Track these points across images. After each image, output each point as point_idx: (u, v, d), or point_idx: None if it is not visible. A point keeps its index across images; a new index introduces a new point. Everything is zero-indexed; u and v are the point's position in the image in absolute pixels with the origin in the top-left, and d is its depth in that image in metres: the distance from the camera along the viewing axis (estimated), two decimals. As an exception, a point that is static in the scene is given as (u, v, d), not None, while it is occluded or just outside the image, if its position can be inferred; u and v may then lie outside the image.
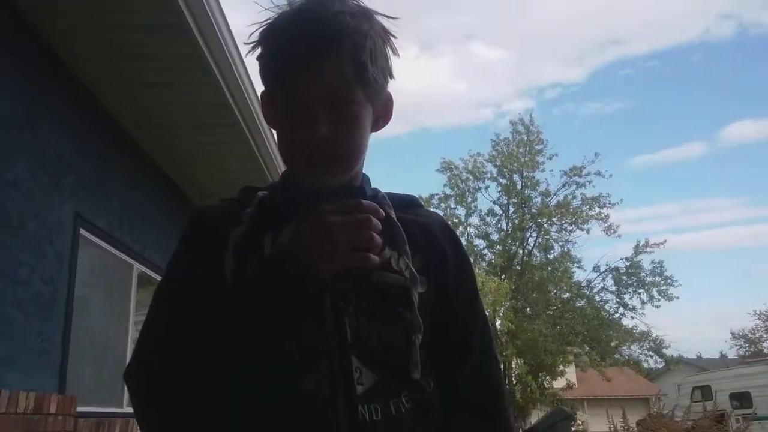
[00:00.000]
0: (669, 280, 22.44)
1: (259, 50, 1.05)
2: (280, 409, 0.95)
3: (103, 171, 4.93)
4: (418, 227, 1.10)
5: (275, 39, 1.02)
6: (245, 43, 1.10)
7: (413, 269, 1.04)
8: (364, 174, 1.12)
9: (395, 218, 1.06)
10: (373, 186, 1.14)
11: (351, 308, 1.00)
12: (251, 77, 4.70)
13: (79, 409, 4.28)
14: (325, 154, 0.99)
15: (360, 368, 0.98)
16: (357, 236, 0.91)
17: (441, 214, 18.12)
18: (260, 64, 1.06)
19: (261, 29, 1.05)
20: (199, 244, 1.06)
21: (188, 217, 1.11)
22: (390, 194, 1.14)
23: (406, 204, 1.16)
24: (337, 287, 0.97)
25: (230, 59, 4.31)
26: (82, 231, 4.55)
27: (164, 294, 1.06)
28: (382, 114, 1.11)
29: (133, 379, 1.01)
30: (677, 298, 22.54)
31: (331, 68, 0.98)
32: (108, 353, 5.38)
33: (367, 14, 1.03)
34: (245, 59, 4.48)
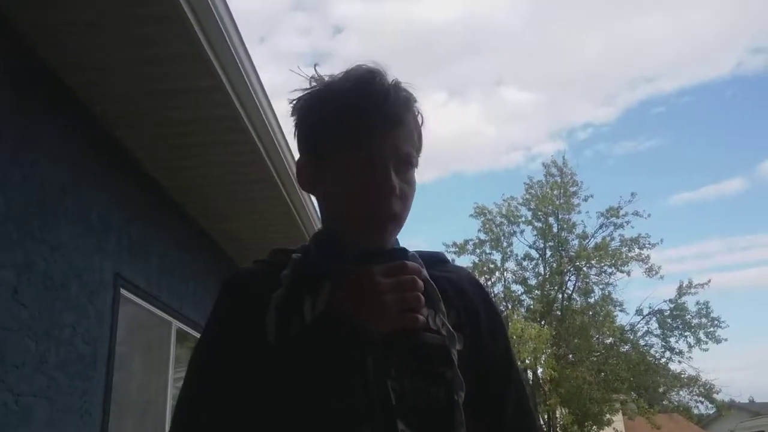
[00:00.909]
0: (716, 322, 21.82)
1: (312, 114, 1.11)
2: None
3: (143, 231, 5.03)
4: (449, 284, 1.12)
5: (346, 104, 1.07)
6: (291, 101, 1.16)
7: (449, 327, 1.06)
8: None
9: (428, 277, 1.07)
10: (401, 245, 1.17)
11: (392, 371, 1.01)
12: (285, 134, 4.80)
13: (120, 469, 4.28)
14: (392, 212, 1.06)
15: (405, 431, 0.97)
16: (405, 297, 0.93)
17: (476, 260, 17.90)
18: (314, 126, 1.12)
19: (313, 95, 1.12)
20: (237, 308, 1.06)
21: (224, 282, 1.12)
22: (419, 252, 1.16)
23: (435, 261, 1.18)
24: (378, 350, 0.97)
25: (264, 116, 4.41)
26: (122, 290, 4.62)
27: (202, 360, 1.06)
28: None
29: None
30: (725, 340, 21.87)
31: (404, 135, 1.08)
32: (147, 410, 5.39)
33: (411, 90, 1.13)
34: (279, 117, 4.60)
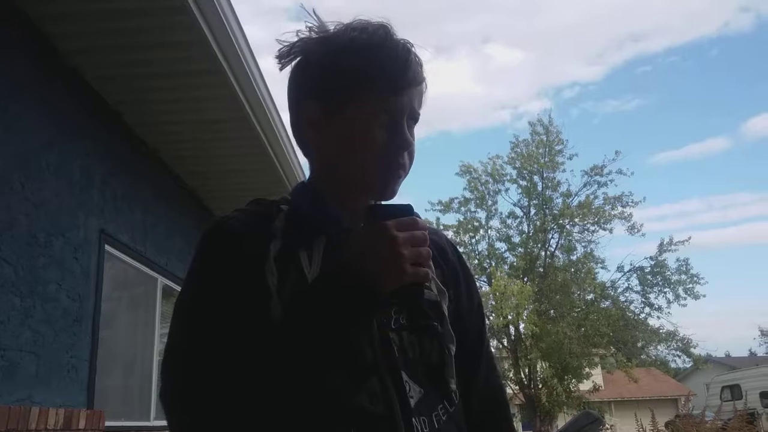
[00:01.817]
0: (695, 278, 22.10)
1: (331, 61, 1.07)
2: (336, 428, 0.94)
3: (127, 188, 4.99)
4: (433, 244, 1.09)
5: (373, 54, 1.06)
6: (289, 48, 1.12)
7: (439, 283, 1.09)
8: None
9: None
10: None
11: (393, 324, 1.03)
12: (270, 90, 4.75)
13: (108, 423, 4.32)
14: (402, 162, 1.08)
15: (408, 382, 1.00)
16: (419, 252, 0.94)
17: (462, 217, 17.94)
18: (332, 73, 1.07)
19: (327, 41, 1.09)
20: (232, 255, 1.01)
21: (212, 228, 1.06)
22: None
23: None
24: (394, 301, 1.01)
25: (250, 74, 4.35)
26: (107, 247, 4.61)
27: (198, 309, 1.00)
28: None
29: (172, 401, 0.96)
30: (704, 296, 22.19)
31: (419, 93, 1.11)
32: (134, 366, 5.43)
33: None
34: (263, 73, 4.53)
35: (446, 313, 1.07)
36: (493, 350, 1.39)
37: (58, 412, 3.70)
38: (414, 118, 1.10)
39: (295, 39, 1.12)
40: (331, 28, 1.11)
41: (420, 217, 1.04)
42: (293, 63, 1.13)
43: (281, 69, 1.14)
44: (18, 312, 3.51)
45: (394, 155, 1.07)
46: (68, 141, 4.15)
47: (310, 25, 1.12)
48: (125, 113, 4.81)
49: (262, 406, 0.93)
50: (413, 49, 1.10)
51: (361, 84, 1.06)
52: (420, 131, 1.16)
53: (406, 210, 1.00)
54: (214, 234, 1.05)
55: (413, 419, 0.98)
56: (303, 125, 1.12)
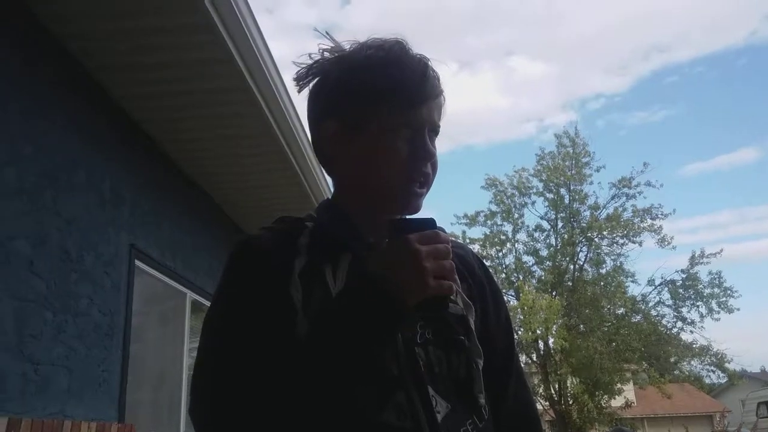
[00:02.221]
0: (728, 291, 21.70)
1: (349, 79, 1.10)
2: None
3: (156, 204, 5.07)
4: (458, 258, 1.14)
5: (391, 71, 1.08)
6: (307, 69, 1.15)
7: (465, 297, 1.10)
8: None
9: None
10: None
11: (418, 338, 1.03)
12: (295, 106, 4.79)
13: (138, 437, 4.37)
14: (427, 175, 1.10)
15: (435, 397, 1.00)
16: (441, 265, 0.94)
17: (488, 231, 17.85)
18: (352, 92, 1.10)
19: (346, 61, 1.11)
20: (258, 272, 1.03)
21: (238, 246, 1.08)
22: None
23: None
24: (419, 316, 1.01)
25: (275, 89, 4.40)
26: (137, 262, 4.67)
27: (225, 327, 1.02)
28: None
29: (201, 417, 0.98)
30: (738, 309, 21.76)
31: (438, 106, 1.12)
32: (164, 380, 5.48)
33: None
34: (288, 89, 4.58)
35: (473, 327, 1.08)
36: (522, 365, 1.37)
37: (90, 426, 3.74)
38: (434, 130, 1.12)
39: (312, 60, 1.14)
40: (347, 47, 1.13)
41: (443, 231, 1.05)
42: (311, 84, 1.16)
43: (299, 91, 1.17)
44: (50, 327, 3.57)
45: (417, 167, 1.08)
46: (97, 158, 4.23)
47: (325, 46, 1.14)
48: (152, 130, 4.89)
49: (288, 422, 0.93)
50: (430, 63, 1.12)
51: (380, 100, 1.07)
52: (444, 145, 1.18)
53: (429, 224, 1.01)
54: (240, 252, 1.07)
55: None
56: (323, 144, 1.15)
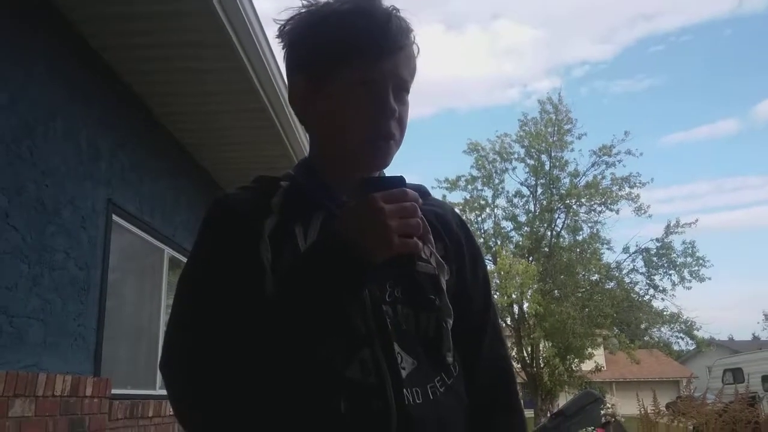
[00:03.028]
0: (701, 261, 22.08)
1: (311, 34, 1.09)
2: (328, 399, 0.96)
3: (136, 159, 5.00)
4: (435, 217, 1.14)
5: (348, 25, 1.06)
6: (280, 25, 1.14)
7: (438, 257, 1.09)
8: None
9: None
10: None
11: (386, 296, 1.03)
12: (278, 62, 4.72)
13: (114, 391, 4.38)
14: (391, 134, 1.07)
15: (401, 353, 1.01)
16: (408, 223, 0.93)
17: (468, 195, 17.78)
18: (312, 47, 1.09)
19: (310, 16, 1.10)
20: (228, 233, 1.05)
21: (213, 205, 1.10)
22: None
23: (420, 194, 1.18)
24: (384, 273, 1.00)
25: (258, 45, 4.33)
26: (114, 217, 4.63)
27: (196, 284, 1.05)
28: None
29: (174, 372, 1.02)
30: (709, 279, 22.18)
31: (404, 60, 1.09)
32: (141, 336, 5.49)
33: (406, 16, 1.13)
34: (272, 45, 4.50)
35: (444, 287, 1.07)
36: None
37: (66, 379, 3.75)
38: (401, 85, 1.09)
39: (290, 15, 1.13)
40: (321, 1, 1.11)
41: (411, 189, 1.05)
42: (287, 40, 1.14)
43: (282, 48, 1.16)
44: (26, 279, 3.54)
45: (379, 124, 1.06)
46: (77, 110, 4.14)
47: (303, 1, 1.12)
48: (133, 83, 4.80)
49: (255, 378, 0.96)
50: (394, 14, 1.08)
51: (340, 55, 1.06)
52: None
53: (397, 182, 1.00)
54: (213, 212, 1.10)
55: (405, 390, 0.98)
56: (294, 101, 1.15)
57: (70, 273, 4.00)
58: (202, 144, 5.98)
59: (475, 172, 23.09)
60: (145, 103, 5.09)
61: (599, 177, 22.23)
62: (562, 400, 18.78)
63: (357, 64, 1.05)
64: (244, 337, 0.95)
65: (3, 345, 3.33)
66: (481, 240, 22.57)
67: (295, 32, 1.12)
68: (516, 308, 21.63)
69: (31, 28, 3.71)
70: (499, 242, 22.67)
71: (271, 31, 4.33)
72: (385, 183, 1.01)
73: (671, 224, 22.29)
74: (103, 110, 4.50)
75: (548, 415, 15.24)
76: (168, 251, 5.72)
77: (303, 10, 1.11)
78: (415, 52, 1.12)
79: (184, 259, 5.42)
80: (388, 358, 0.99)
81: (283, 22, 1.13)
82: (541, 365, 21.05)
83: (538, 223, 22.77)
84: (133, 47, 4.34)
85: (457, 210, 1.32)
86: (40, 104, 3.75)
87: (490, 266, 20.90)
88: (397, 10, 1.09)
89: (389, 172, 1.17)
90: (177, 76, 4.71)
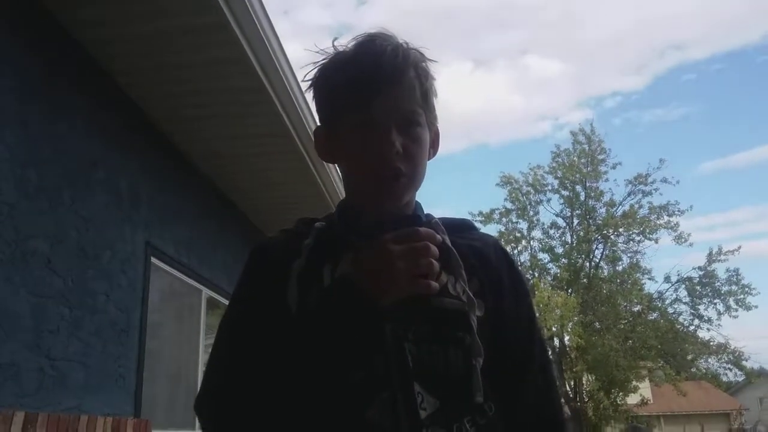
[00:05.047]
0: (746, 289, 21.45)
1: (321, 84, 1.13)
2: None
3: (174, 203, 5.12)
4: (472, 251, 1.12)
5: (345, 69, 1.08)
6: (303, 80, 1.18)
7: (470, 293, 1.05)
8: (416, 201, 1.16)
9: (450, 243, 1.07)
10: (426, 211, 1.17)
11: (410, 335, 1.01)
12: (309, 105, 4.82)
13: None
14: (397, 170, 1.05)
15: (422, 393, 0.98)
16: (416, 263, 0.93)
17: (503, 228, 17.55)
18: (323, 96, 1.14)
19: (322, 65, 1.13)
20: (261, 277, 1.09)
21: (250, 251, 1.14)
22: (443, 219, 1.16)
23: (460, 228, 1.18)
24: (396, 315, 0.98)
25: (289, 89, 4.43)
26: (153, 259, 4.73)
27: (229, 327, 1.09)
28: (433, 143, 1.17)
29: (204, 411, 1.05)
30: (756, 307, 21.60)
31: (404, 92, 1.07)
32: (180, 377, 5.54)
33: (419, 50, 1.12)
34: (303, 88, 4.59)
35: (474, 324, 1.03)
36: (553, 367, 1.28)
37: (106, 421, 3.80)
38: (407, 118, 1.08)
39: (312, 67, 1.16)
40: (339, 48, 1.13)
41: (438, 228, 1.05)
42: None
43: (306, 90, 1.20)
44: (67, 323, 3.63)
45: (382, 163, 1.05)
46: (116, 158, 4.28)
47: (319, 51, 1.14)
48: (170, 130, 4.93)
49: (279, 417, 0.98)
50: (391, 49, 1.07)
51: (341, 101, 1.09)
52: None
53: (411, 220, 1.01)
54: (249, 257, 1.14)
55: (425, 429, 0.96)
56: (319, 151, 1.20)
57: (110, 316, 4.09)
58: (238, 186, 6.09)
59: (509, 205, 22.99)
60: (181, 148, 5.22)
61: (636, 206, 21.94)
62: (608, 436, 18.29)
63: (355, 107, 1.07)
64: (269, 380, 0.97)
65: (45, 387, 3.41)
66: (518, 273, 22.31)
67: (312, 83, 1.16)
68: (557, 341, 21.24)
69: (70, 81, 3.86)
70: (536, 274, 22.39)
71: (301, 76, 4.45)
72: (398, 222, 1.02)
73: (713, 252, 21.79)
74: (141, 157, 4.64)
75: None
76: (206, 292, 5.80)
77: (320, 59, 1.14)
78: (424, 80, 1.10)
79: (222, 300, 5.51)
80: (406, 398, 0.98)
81: (308, 74, 1.17)
82: (585, 399, 20.57)
83: (575, 254, 22.47)
84: (169, 95, 4.48)
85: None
86: (81, 155, 3.89)
87: (528, 299, 20.62)
88: (403, 44, 1.09)
89: (425, 207, 1.17)
90: (213, 120, 4.83)
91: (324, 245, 1.08)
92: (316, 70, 1.15)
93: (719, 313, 21.50)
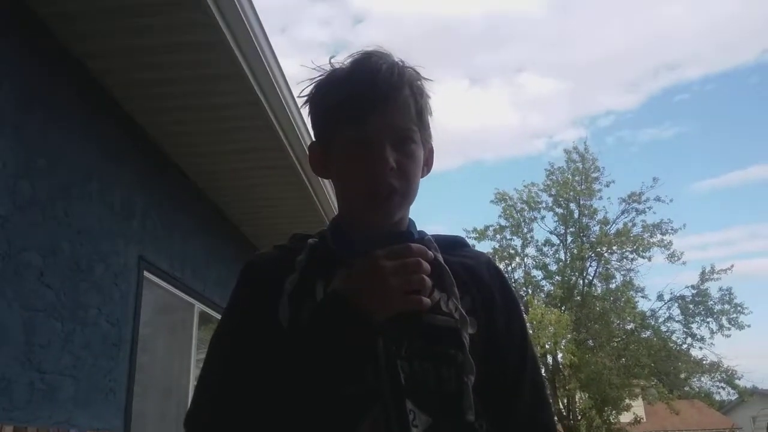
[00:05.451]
0: (739, 308, 21.56)
1: (317, 100, 1.14)
2: None
3: (167, 216, 5.11)
4: (464, 269, 1.13)
5: (341, 86, 1.09)
6: (299, 96, 1.20)
7: (462, 311, 1.05)
8: (410, 218, 1.17)
9: (442, 260, 1.08)
10: (420, 228, 1.18)
11: (403, 352, 1.02)
12: (305, 120, 4.83)
13: (144, 447, 4.39)
14: (390, 187, 1.06)
15: (414, 410, 0.98)
16: (408, 280, 0.94)
17: (497, 245, 17.62)
18: (319, 112, 1.15)
19: (318, 82, 1.14)
20: (253, 292, 1.09)
21: (243, 267, 1.15)
22: (436, 236, 1.17)
23: (452, 245, 1.18)
24: (389, 331, 0.98)
25: (285, 105, 4.45)
26: (146, 273, 4.71)
27: (221, 343, 1.09)
28: (427, 160, 1.18)
29: (194, 427, 1.05)
30: (748, 326, 21.64)
31: (398, 110, 1.08)
32: (170, 391, 5.50)
33: (415, 69, 1.13)
34: (298, 103, 4.62)
35: (466, 342, 1.03)
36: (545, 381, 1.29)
37: (96, 436, 3.77)
38: (401, 135, 1.08)
39: (308, 84, 1.17)
40: (334, 66, 1.15)
41: (430, 245, 1.06)
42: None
43: (302, 106, 1.22)
44: (59, 336, 3.61)
45: (375, 180, 1.06)
46: (111, 171, 4.28)
47: (316, 68, 1.16)
48: (164, 144, 4.94)
49: None
50: (386, 66, 1.08)
51: (335, 118, 1.10)
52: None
53: (403, 237, 1.01)
54: (241, 273, 1.15)
55: None
56: (313, 167, 1.21)
57: (102, 329, 4.06)
58: (232, 201, 6.09)
59: (503, 222, 23.06)
60: (176, 162, 5.22)
61: (630, 224, 22.05)
62: (601, 455, 18.20)
63: (349, 124, 1.08)
64: (260, 395, 0.97)
65: (35, 401, 3.38)
66: (512, 289, 22.32)
67: (308, 100, 1.17)
68: (550, 359, 21.21)
69: (68, 93, 3.87)
70: (530, 291, 22.43)
71: (297, 92, 4.47)
72: (390, 239, 1.02)
73: (706, 270, 21.89)
74: (136, 170, 4.63)
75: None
76: (198, 306, 5.78)
77: (316, 76, 1.16)
78: (420, 98, 1.11)
79: (215, 314, 5.48)
80: (399, 415, 0.97)
81: (303, 89, 1.18)
82: (578, 417, 20.50)
83: (569, 271, 22.51)
84: (164, 110, 4.49)
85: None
86: (76, 166, 3.88)
87: (521, 316, 20.61)
88: (399, 62, 1.10)
89: (419, 223, 1.18)
90: (208, 136, 4.84)
91: (317, 261, 1.09)
92: (312, 86, 1.16)
93: (712, 332, 21.61)
